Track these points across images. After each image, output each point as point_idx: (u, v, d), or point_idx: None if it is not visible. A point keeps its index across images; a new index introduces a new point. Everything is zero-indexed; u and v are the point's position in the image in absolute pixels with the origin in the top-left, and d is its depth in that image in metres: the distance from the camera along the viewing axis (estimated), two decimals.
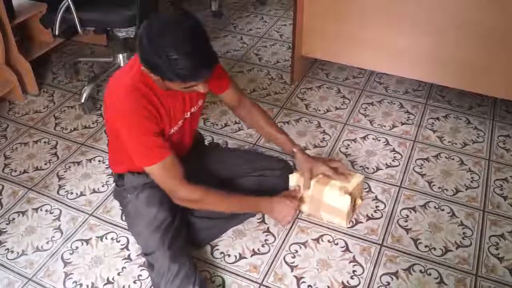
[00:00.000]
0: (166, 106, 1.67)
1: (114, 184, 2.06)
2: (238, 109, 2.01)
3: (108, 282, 1.84)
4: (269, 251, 1.93)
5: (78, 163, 2.36)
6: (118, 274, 1.86)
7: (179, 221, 1.80)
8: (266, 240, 1.97)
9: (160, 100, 1.64)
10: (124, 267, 1.88)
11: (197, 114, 1.87)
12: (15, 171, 2.32)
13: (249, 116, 2.01)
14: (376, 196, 2.15)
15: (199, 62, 1.47)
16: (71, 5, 2.37)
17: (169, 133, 1.73)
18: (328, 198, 1.94)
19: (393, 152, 2.38)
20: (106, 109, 1.70)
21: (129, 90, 1.58)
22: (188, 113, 1.80)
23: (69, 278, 1.85)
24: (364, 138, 2.47)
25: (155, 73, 1.51)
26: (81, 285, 1.83)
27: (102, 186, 2.23)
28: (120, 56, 2.81)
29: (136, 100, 1.58)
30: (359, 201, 2.04)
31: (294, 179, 2.00)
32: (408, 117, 2.61)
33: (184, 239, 1.79)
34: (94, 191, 2.21)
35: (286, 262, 1.89)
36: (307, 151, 2.33)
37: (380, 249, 1.93)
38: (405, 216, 2.06)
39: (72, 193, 2.20)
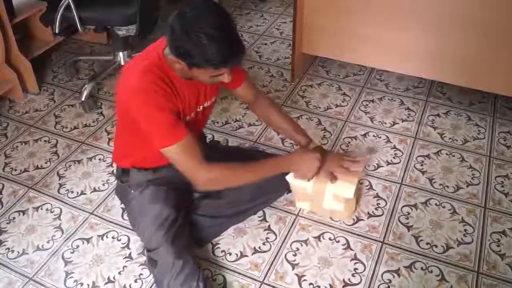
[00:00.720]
0: (182, 94, 1.67)
1: (116, 180, 2.05)
2: (254, 106, 2.02)
3: (109, 281, 1.83)
4: (270, 249, 1.93)
5: (79, 161, 2.36)
6: (119, 273, 1.86)
7: (182, 219, 1.79)
8: (267, 238, 1.97)
9: (176, 87, 1.64)
10: (125, 266, 1.88)
11: (208, 110, 1.88)
12: (16, 170, 2.32)
13: (265, 114, 2.02)
14: (377, 194, 2.15)
15: (231, 49, 1.50)
16: (71, 4, 2.37)
17: (186, 119, 1.73)
18: (333, 188, 1.91)
19: (394, 149, 2.38)
20: (121, 93, 1.67)
21: (145, 71, 1.58)
22: (201, 107, 1.80)
23: (69, 277, 1.85)
24: (364, 135, 2.47)
25: (184, 59, 1.51)
26: (81, 284, 1.83)
27: (103, 184, 2.23)
28: (120, 54, 2.81)
29: (151, 79, 1.58)
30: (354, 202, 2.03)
31: (291, 177, 1.96)
32: (409, 114, 2.60)
33: (187, 237, 1.79)
34: (94, 190, 2.20)
35: (287, 260, 1.89)
36: None
37: (381, 247, 1.93)
38: (406, 213, 2.06)
39: (72, 192, 2.20)
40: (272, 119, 2.02)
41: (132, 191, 1.86)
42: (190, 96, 1.71)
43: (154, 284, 1.77)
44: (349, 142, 2.42)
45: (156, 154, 1.66)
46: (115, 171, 2.02)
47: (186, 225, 1.82)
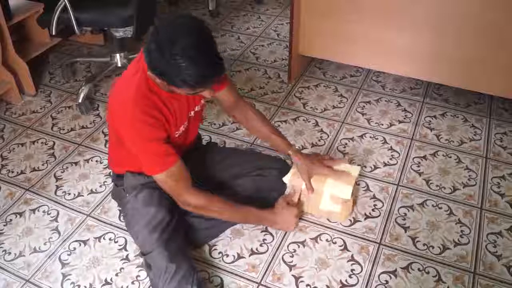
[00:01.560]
0: (172, 109, 1.68)
1: (112, 184, 2.06)
2: (234, 110, 2.00)
3: (106, 283, 1.83)
4: (267, 250, 1.93)
5: (76, 163, 2.36)
6: (116, 274, 1.86)
7: (177, 222, 1.80)
8: (264, 239, 1.97)
9: (166, 104, 1.65)
10: (122, 268, 1.88)
11: (199, 112, 1.89)
12: (12, 172, 2.32)
13: (244, 118, 2.00)
14: (374, 195, 2.15)
15: (208, 71, 1.47)
16: (68, 5, 2.37)
17: (176, 135, 1.74)
18: (331, 189, 1.93)
19: (391, 151, 2.38)
20: (111, 116, 1.69)
21: (134, 100, 1.58)
22: (192, 112, 1.81)
23: (67, 279, 1.85)
24: (361, 136, 2.47)
25: (163, 79, 1.51)
26: (79, 286, 1.82)
27: (100, 186, 2.23)
28: (117, 56, 2.81)
29: (142, 110, 1.58)
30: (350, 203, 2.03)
31: (287, 179, 1.98)
32: (406, 115, 2.61)
33: (182, 239, 1.79)
34: (91, 192, 2.20)
35: (284, 262, 1.89)
36: (305, 150, 2.35)
37: (378, 248, 1.94)
38: (403, 215, 2.06)
39: (69, 193, 2.20)
40: (252, 124, 2.00)
41: (127, 195, 1.86)
42: (180, 106, 1.72)
43: (151, 287, 1.77)
44: (346, 144, 2.43)
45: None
46: (111, 174, 2.02)
47: (181, 228, 1.82)
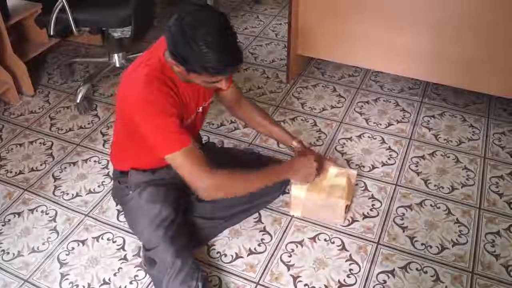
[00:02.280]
0: (183, 97, 1.68)
1: (112, 182, 2.05)
2: (236, 109, 2.02)
3: (105, 282, 1.83)
4: (265, 250, 1.93)
5: (74, 163, 2.35)
6: (115, 274, 1.86)
7: (181, 220, 1.80)
8: (262, 239, 1.97)
9: (179, 90, 1.65)
10: (121, 268, 1.88)
11: (206, 110, 1.90)
12: (11, 172, 2.32)
13: (247, 115, 2.03)
14: (372, 195, 2.15)
15: (229, 59, 1.50)
16: (66, 6, 2.37)
17: (184, 123, 1.73)
18: (326, 181, 1.97)
19: (389, 150, 2.38)
20: (123, 101, 1.67)
21: (149, 78, 1.58)
22: (200, 108, 1.82)
23: (65, 279, 1.85)
24: (359, 136, 2.48)
25: (183, 65, 1.51)
26: (77, 286, 1.82)
27: (98, 186, 2.23)
28: (116, 56, 2.81)
29: (156, 86, 1.57)
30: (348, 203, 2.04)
31: (297, 192, 1.99)
32: (404, 115, 2.61)
33: (186, 237, 1.79)
34: (90, 192, 2.20)
35: (282, 261, 1.89)
36: None
37: (376, 248, 1.94)
38: (401, 214, 2.06)
39: (68, 193, 2.20)
40: (255, 120, 2.03)
41: (130, 192, 1.86)
42: (191, 98, 1.72)
43: (151, 285, 1.77)
44: (344, 144, 2.43)
45: (157, 158, 1.66)
46: (112, 172, 2.02)
47: (185, 225, 1.83)
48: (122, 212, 2.05)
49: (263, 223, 2.04)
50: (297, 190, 1.97)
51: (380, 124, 2.55)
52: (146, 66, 1.60)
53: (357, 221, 2.04)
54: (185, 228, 1.82)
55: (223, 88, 1.65)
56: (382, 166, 2.30)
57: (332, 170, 2.01)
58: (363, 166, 2.29)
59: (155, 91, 1.57)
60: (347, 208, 2.02)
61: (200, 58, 1.46)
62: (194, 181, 1.64)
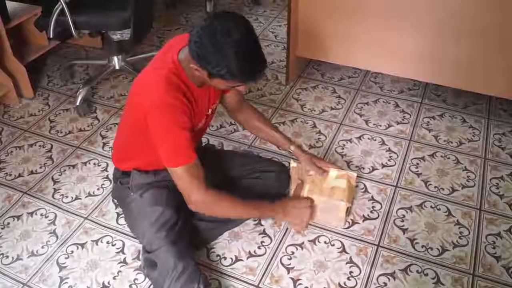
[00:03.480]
0: (197, 101, 1.69)
1: (113, 183, 2.04)
2: (238, 112, 2.04)
3: (104, 286, 1.83)
4: (265, 253, 1.93)
5: (73, 166, 2.35)
6: (114, 278, 1.85)
7: (183, 221, 1.80)
8: (262, 242, 1.97)
9: (193, 95, 1.66)
10: (120, 271, 1.88)
11: (214, 111, 1.91)
12: (10, 175, 2.31)
13: (247, 119, 2.04)
14: (372, 196, 2.15)
15: (257, 67, 1.54)
16: (65, 8, 2.37)
17: (195, 129, 1.75)
18: (326, 183, 1.98)
19: (389, 152, 2.38)
20: (138, 102, 1.66)
21: (168, 84, 1.59)
22: (210, 110, 1.83)
23: (64, 283, 1.84)
24: (359, 138, 2.47)
25: (207, 68, 1.52)
26: None
27: (98, 189, 2.22)
28: (115, 58, 2.81)
29: (174, 93, 1.59)
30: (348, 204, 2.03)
31: (294, 170, 2.02)
32: (404, 116, 2.60)
33: (188, 240, 1.79)
34: (89, 195, 2.20)
35: (282, 264, 1.89)
36: None
37: (376, 250, 1.93)
38: (402, 216, 2.06)
39: (67, 196, 2.19)
40: (254, 123, 2.04)
41: (132, 193, 1.85)
42: (203, 102, 1.74)
43: (152, 286, 1.77)
44: (344, 145, 2.42)
45: (161, 159, 1.67)
46: (112, 173, 2.01)
47: (187, 228, 1.83)
48: (122, 215, 2.04)
49: (262, 225, 2.03)
50: (296, 189, 1.97)
51: (380, 126, 2.54)
52: (164, 69, 1.61)
53: (357, 223, 2.04)
54: (187, 231, 1.82)
55: (242, 91, 1.68)
56: (382, 167, 2.29)
57: (332, 172, 2.01)
58: (363, 168, 2.29)
59: (174, 97, 1.58)
60: (348, 210, 2.01)
61: (230, 65, 1.48)
62: (187, 194, 1.69)
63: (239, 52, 1.47)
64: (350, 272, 1.85)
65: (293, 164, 2.05)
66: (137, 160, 1.83)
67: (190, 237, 1.83)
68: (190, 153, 1.63)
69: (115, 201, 2.10)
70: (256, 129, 2.06)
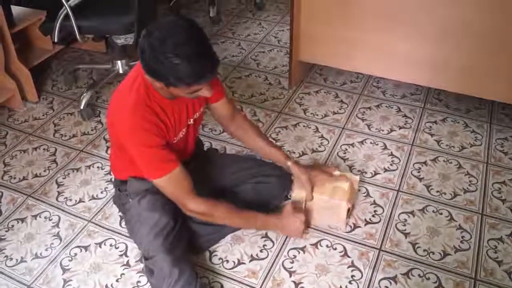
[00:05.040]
0: (171, 115, 1.69)
1: (114, 189, 2.06)
2: (230, 123, 1.99)
3: None
4: (267, 256, 1.94)
5: (77, 169, 2.36)
6: (117, 280, 1.86)
7: (180, 227, 1.80)
8: (264, 245, 1.98)
9: (165, 111, 1.66)
10: (123, 274, 1.89)
11: (199, 120, 1.89)
12: (15, 178, 2.33)
13: (240, 131, 2.00)
14: (374, 201, 2.15)
15: (201, 66, 1.49)
16: (69, 13, 2.39)
17: (174, 141, 1.75)
18: (328, 184, 1.97)
19: (391, 156, 2.39)
20: (111, 126, 1.72)
21: (134, 106, 1.60)
22: (192, 120, 1.82)
23: (67, 285, 1.85)
24: (362, 142, 2.48)
25: (159, 80, 1.52)
26: None
27: (101, 192, 2.24)
28: (119, 62, 2.82)
29: (141, 116, 1.60)
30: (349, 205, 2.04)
31: (298, 194, 1.98)
32: (406, 121, 2.61)
33: (185, 245, 1.80)
34: (93, 198, 2.21)
35: (284, 268, 1.89)
36: (305, 156, 2.36)
37: (378, 254, 1.94)
38: (404, 220, 2.06)
39: (71, 199, 2.21)
40: (249, 137, 1.99)
41: (130, 200, 1.87)
42: (180, 113, 1.73)
43: None
44: (346, 150, 2.43)
45: None
46: (113, 180, 2.02)
47: (184, 233, 1.83)
48: (124, 219, 2.05)
49: None
50: (298, 192, 1.97)
51: (382, 130, 2.55)
52: (132, 92, 1.62)
53: (359, 227, 2.04)
54: (185, 236, 1.83)
55: (207, 96, 1.64)
56: (384, 172, 2.30)
57: (335, 173, 2.00)
58: (365, 172, 2.30)
59: (139, 121, 1.60)
60: (349, 212, 2.02)
61: (173, 70, 1.46)
62: (180, 204, 1.74)
63: (180, 56, 1.44)
64: (352, 276, 1.86)
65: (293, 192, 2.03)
66: (131, 170, 1.84)
67: (188, 242, 1.83)
68: (167, 165, 1.65)
69: (117, 207, 2.11)
70: (251, 142, 2.01)
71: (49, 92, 2.94)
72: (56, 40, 2.51)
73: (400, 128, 2.56)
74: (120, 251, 1.97)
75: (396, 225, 2.05)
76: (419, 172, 2.29)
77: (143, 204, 1.82)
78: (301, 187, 1.96)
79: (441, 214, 2.09)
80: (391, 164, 2.34)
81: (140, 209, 1.82)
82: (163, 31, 1.46)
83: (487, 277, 1.84)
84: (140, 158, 1.66)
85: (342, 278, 1.85)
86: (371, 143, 2.47)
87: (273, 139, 2.47)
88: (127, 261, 1.93)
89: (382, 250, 1.95)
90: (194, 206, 1.72)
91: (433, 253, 1.93)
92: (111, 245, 2.00)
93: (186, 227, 1.86)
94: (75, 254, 1.97)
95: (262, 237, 2.00)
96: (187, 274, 1.68)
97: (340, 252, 1.95)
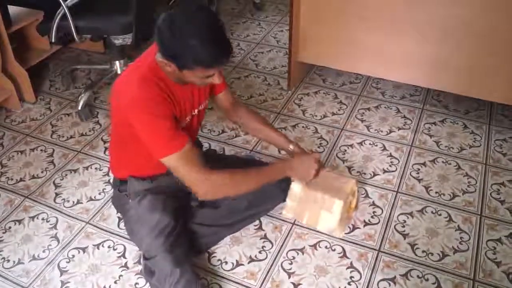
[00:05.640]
0: (177, 99, 1.68)
1: (112, 190, 2.05)
2: (233, 112, 2.01)
3: None
4: (266, 257, 1.93)
5: (75, 171, 2.36)
6: (115, 282, 1.86)
7: (181, 227, 1.80)
8: (263, 246, 1.97)
9: (172, 92, 1.65)
10: (121, 275, 1.88)
11: (202, 113, 1.89)
12: (12, 179, 2.32)
13: (244, 119, 2.01)
14: (373, 202, 2.15)
15: (220, 49, 1.52)
16: (67, 13, 2.38)
17: (180, 125, 1.73)
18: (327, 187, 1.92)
19: (390, 157, 2.38)
20: (117, 105, 1.67)
21: (142, 79, 1.59)
22: (196, 110, 1.81)
23: (65, 287, 1.84)
24: (361, 143, 2.47)
25: (176, 62, 1.52)
26: None
27: (99, 193, 2.23)
28: (117, 63, 2.81)
29: (149, 87, 1.58)
30: (353, 205, 2.02)
31: (296, 188, 1.96)
32: (405, 122, 2.61)
33: (186, 245, 1.79)
34: (91, 199, 2.20)
35: (283, 269, 1.89)
36: None
37: (377, 255, 1.93)
38: (402, 222, 2.06)
39: (68, 201, 2.20)
40: (252, 124, 2.01)
41: (130, 200, 1.86)
42: (185, 100, 1.72)
43: None
44: (345, 150, 2.43)
45: (153, 163, 1.67)
46: (112, 180, 2.01)
47: (185, 233, 1.82)
48: (123, 220, 2.05)
49: (263, 230, 2.03)
50: (295, 185, 1.95)
51: (381, 131, 2.55)
52: (138, 71, 1.62)
53: (358, 228, 2.04)
54: (185, 236, 1.82)
55: (217, 83, 1.64)
56: (383, 173, 2.30)
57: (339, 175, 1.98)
58: (364, 173, 2.29)
59: (149, 91, 1.58)
60: (348, 215, 2.01)
61: (192, 52, 1.47)
62: (191, 183, 1.65)
63: (199, 38, 1.46)
64: (351, 277, 1.85)
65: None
66: (131, 165, 1.83)
67: (188, 242, 1.83)
68: (179, 140, 1.61)
69: (116, 207, 2.10)
70: (254, 129, 2.03)
71: (47, 92, 2.93)
72: (53, 40, 2.50)
73: (399, 129, 2.56)
74: (119, 253, 1.96)
75: (395, 226, 2.04)
76: (418, 173, 2.29)
77: (144, 205, 1.81)
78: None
79: (440, 215, 2.08)
80: (390, 165, 2.33)
81: (140, 210, 1.81)
82: (183, 16, 1.49)
83: (486, 278, 1.84)
84: (150, 132, 1.60)
85: (341, 279, 1.84)
86: (370, 144, 2.47)
87: None
88: (126, 263, 1.92)
89: (381, 251, 1.94)
90: (208, 180, 1.64)
91: (432, 254, 1.93)
92: (109, 246, 1.99)
93: (186, 228, 1.85)
94: (73, 256, 1.96)
95: (261, 238, 2.00)
96: (188, 274, 1.68)
97: (339, 253, 1.94)
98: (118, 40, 2.59)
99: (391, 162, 2.36)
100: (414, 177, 2.27)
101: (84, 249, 1.98)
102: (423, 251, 1.94)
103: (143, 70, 1.61)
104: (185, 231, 1.83)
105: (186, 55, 1.48)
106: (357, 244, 1.97)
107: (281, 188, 2.03)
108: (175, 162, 1.62)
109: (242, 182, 1.73)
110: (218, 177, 1.67)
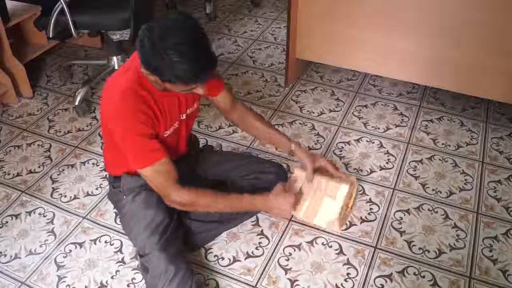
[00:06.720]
0: (162, 107, 1.68)
1: (108, 186, 2.05)
2: (232, 112, 2.00)
3: (102, 285, 1.83)
4: (263, 253, 1.93)
5: (72, 166, 2.35)
6: (112, 277, 1.86)
7: (175, 224, 1.80)
8: (260, 242, 1.97)
9: (156, 102, 1.65)
10: (118, 271, 1.88)
11: (192, 116, 1.88)
12: (9, 174, 2.32)
13: (243, 119, 2.01)
14: (370, 199, 2.15)
15: (201, 65, 1.49)
16: (65, 8, 2.37)
17: (164, 135, 1.73)
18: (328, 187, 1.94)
19: (387, 155, 2.39)
20: (102, 112, 1.70)
21: (125, 92, 1.59)
22: (184, 115, 1.80)
23: (62, 282, 1.84)
24: (358, 140, 2.48)
25: (156, 75, 1.51)
26: None
27: (96, 189, 2.23)
28: (115, 58, 2.81)
29: (131, 103, 1.59)
30: (350, 204, 2.03)
31: (298, 174, 1.97)
32: (402, 119, 2.61)
33: (180, 242, 1.79)
34: (87, 194, 2.20)
35: (280, 265, 1.89)
36: None
37: (374, 252, 1.94)
38: (399, 219, 2.06)
39: (65, 196, 2.20)
40: (251, 124, 2.00)
41: (125, 197, 1.86)
42: (171, 107, 1.72)
43: None
44: (342, 147, 2.43)
45: None
46: (108, 176, 2.01)
47: (179, 230, 1.82)
48: (119, 216, 2.04)
49: (260, 226, 2.04)
50: (298, 171, 1.97)
51: (379, 128, 2.55)
52: (123, 80, 1.62)
53: (355, 225, 2.04)
54: (180, 232, 1.82)
55: (201, 94, 1.65)
56: (380, 170, 2.30)
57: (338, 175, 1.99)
58: (361, 170, 2.29)
59: (128, 107, 1.59)
60: (344, 214, 2.01)
61: (172, 67, 1.45)
62: (163, 195, 1.72)
63: (181, 54, 1.43)
64: (347, 274, 1.86)
65: (293, 173, 2.02)
66: (123, 166, 1.83)
67: (183, 239, 1.83)
68: (154, 155, 1.64)
69: (112, 203, 2.10)
70: (253, 129, 2.02)
71: (44, 87, 2.93)
72: (51, 35, 2.49)
73: (396, 126, 2.56)
74: (115, 248, 1.96)
75: (391, 223, 2.05)
76: (415, 170, 2.30)
77: (138, 201, 1.81)
78: (302, 167, 1.95)
79: (436, 212, 2.09)
80: (387, 162, 2.34)
81: (134, 206, 1.81)
82: (164, 28, 1.45)
83: (482, 276, 1.85)
84: (125, 145, 1.64)
85: (338, 276, 1.85)
86: (367, 141, 2.47)
87: None
88: (122, 258, 1.92)
89: (378, 248, 1.95)
90: (178, 197, 1.70)
91: (429, 251, 1.93)
92: (106, 241, 1.99)
93: (181, 224, 1.85)
94: (70, 251, 1.96)
95: (257, 235, 2.00)
96: (183, 271, 1.67)
97: (336, 249, 1.94)
98: (116, 36, 2.59)
99: (388, 159, 2.36)
100: (411, 175, 2.27)
101: (81, 244, 1.98)
102: (420, 248, 1.94)
103: (128, 77, 1.61)
104: (179, 228, 1.83)
105: (167, 70, 1.47)
106: (353, 240, 1.98)
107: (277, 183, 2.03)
108: (148, 175, 1.67)
109: (209, 206, 1.78)
110: (190, 195, 1.71)
